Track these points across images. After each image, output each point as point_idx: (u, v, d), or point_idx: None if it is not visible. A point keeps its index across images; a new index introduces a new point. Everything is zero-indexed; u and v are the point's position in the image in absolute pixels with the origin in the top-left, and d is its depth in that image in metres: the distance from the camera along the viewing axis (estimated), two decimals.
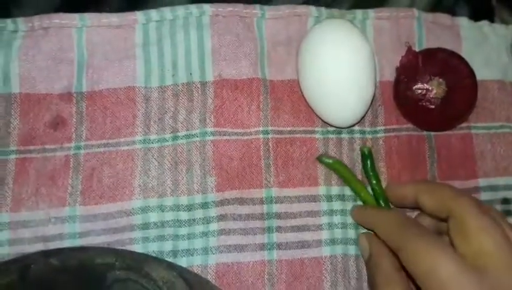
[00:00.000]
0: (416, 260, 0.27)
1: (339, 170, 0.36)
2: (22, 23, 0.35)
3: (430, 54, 0.37)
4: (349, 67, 0.34)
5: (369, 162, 0.36)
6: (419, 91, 0.36)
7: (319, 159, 0.36)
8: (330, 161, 0.36)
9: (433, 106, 0.36)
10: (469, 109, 0.38)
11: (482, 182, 0.38)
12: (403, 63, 0.37)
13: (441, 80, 0.36)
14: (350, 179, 0.36)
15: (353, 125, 0.37)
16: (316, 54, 0.34)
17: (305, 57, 0.35)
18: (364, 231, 0.36)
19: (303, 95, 0.36)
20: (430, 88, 0.36)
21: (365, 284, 0.35)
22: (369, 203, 0.36)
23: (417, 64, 0.36)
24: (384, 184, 0.36)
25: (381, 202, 0.36)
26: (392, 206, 0.36)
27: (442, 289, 0.26)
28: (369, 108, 0.37)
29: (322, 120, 0.37)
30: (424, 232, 0.29)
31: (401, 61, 0.37)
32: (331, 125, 0.37)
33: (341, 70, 0.34)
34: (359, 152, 0.37)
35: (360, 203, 0.36)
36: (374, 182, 0.36)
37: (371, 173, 0.36)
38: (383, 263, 0.32)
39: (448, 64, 0.37)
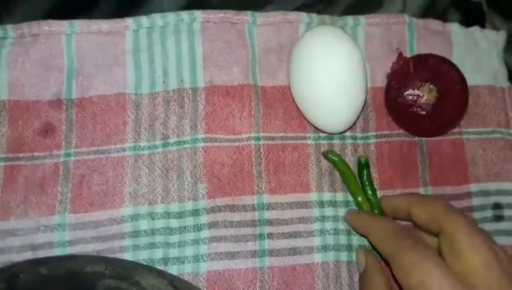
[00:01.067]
0: (408, 271, 0.27)
1: (342, 169, 0.36)
2: (11, 30, 0.35)
3: (421, 60, 0.37)
4: (340, 73, 0.34)
5: (365, 172, 0.36)
6: (410, 97, 0.36)
7: (324, 154, 0.36)
8: (336, 159, 0.36)
9: (424, 112, 0.36)
10: (460, 115, 0.38)
11: (473, 187, 0.38)
12: (394, 69, 0.37)
13: (431, 86, 0.36)
14: (351, 181, 0.36)
15: (344, 131, 0.37)
16: (307, 61, 0.34)
17: (296, 63, 0.35)
18: (358, 238, 0.36)
19: (294, 102, 0.36)
20: (421, 94, 0.36)
21: None
22: (364, 208, 0.35)
23: (408, 70, 0.36)
24: (377, 190, 0.36)
25: (376, 212, 0.35)
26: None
27: None
28: (360, 114, 0.37)
29: (314, 126, 0.37)
30: (417, 243, 0.29)
31: (392, 68, 0.37)
32: (323, 132, 0.37)
33: (332, 76, 0.34)
34: (351, 158, 0.37)
35: (353, 207, 0.36)
36: (370, 192, 0.36)
37: (367, 183, 0.36)
38: (376, 280, 0.31)
39: (439, 71, 0.37)
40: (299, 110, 0.36)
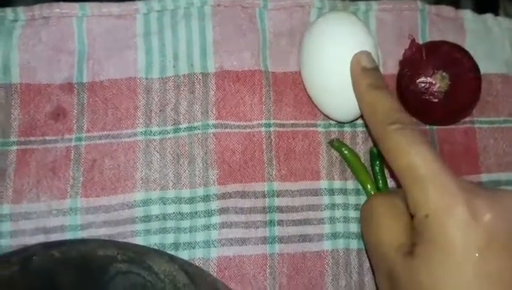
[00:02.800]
0: (396, 153, 0.28)
1: (349, 158, 0.36)
2: (22, 12, 0.35)
3: (433, 47, 0.37)
4: None
5: (378, 162, 0.36)
6: (423, 85, 0.36)
7: (331, 143, 0.36)
8: (342, 147, 0.36)
9: (436, 100, 0.36)
10: (472, 103, 0.37)
11: (484, 177, 0.38)
12: (406, 56, 0.37)
13: (444, 73, 0.36)
14: (359, 170, 0.36)
15: (355, 119, 0.37)
16: (319, 47, 0.34)
17: (309, 50, 0.35)
18: None
19: (305, 89, 0.36)
20: (433, 82, 0.36)
21: (367, 279, 0.35)
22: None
23: (421, 57, 0.36)
24: (388, 180, 0.36)
25: None
26: None
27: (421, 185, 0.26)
28: None
29: (324, 114, 0.37)
30: (405, 127, 0.28)
31: (404, 55, 0.37)
32: (333, 120, 0.37)
33: (345, 64, 0.33)
34: (362, 146, 0.37)
35: (363, 197, 0.36)
36: (381, 183, 0.36)
37: (379, 174, 0.36)
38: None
39: (451, 58, 0.36)
40: (310, 97, 0.36)
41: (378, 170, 0.36)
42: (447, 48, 0.37)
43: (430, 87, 0.36)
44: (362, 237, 0.33)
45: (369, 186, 0.36)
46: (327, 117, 0.37)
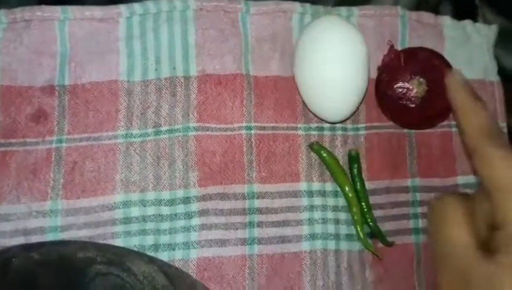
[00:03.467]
0: (493, 164, 0.27)
1: (328, 160, 0.36)
2: (3, 15, 0.35)
3: (412, 53, 0.38)
4: (346, 63, 0.34)
5: (356, 165, 0.37)
6: (400, 90, 0.37)
7: (310, 146, 0.37)
8: (321, 150, 0.36)
9: (413, 105, 0.37)
10: (449, 108, 0.38)
11: (460, 179, 0.38)
12: (385, 62, 0.37)
13: (421, 79, 0.37)
14: (337, 172, 0.36)
15: (346, 119, 0.37)
16: (314, 50, 0.35)
17: (303, 52, 0.35)
18: (345, 227, 0.36)
19: (297, 90, 0.37)
20: (410, 87, 0.37)
21: (344, 279, 0.36)
22: (350, 198, 0.36)
23: (399, 63, 0.37)
24: (365, 182, 0.37)
25: (362, 204, 0.36)
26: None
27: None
28: (361, 103, 0.37)
29: (316, 116, 0.37)
30: (506, 144, 0.28)
31: (383, 60, 0.37)
32: (325, 121, 0.37)
33: (339, 65, 0.34)
34: (341, 149, 0.37)
35: (341, 199, 0.37)
36: (359, 185, 0.36)
37: (357, 177, 0.37)
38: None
39: (429, 64, 0.37)
40: (302, 99, 0.37)
41: (356, 173, 0.37)
42: (425, 54, 0.38)
43: (408, 93, 0.37)
44: (427, 232, 0.33)
45: (347, 188, 0.36)
46: (319, 118, 0.37)
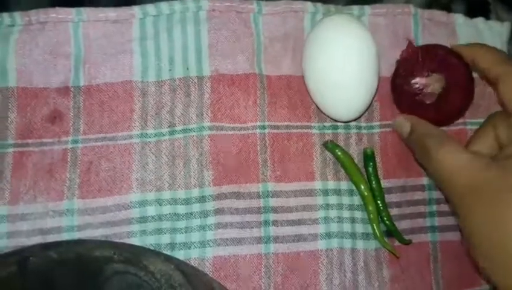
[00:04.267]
0: None
1: (342, 159, 0.36)
2: (18, 17, 0.35)
3: (429, 50, 0.37)
4: (357, 61, 0.34)
5: (371, 163, 0.37)
6: (417, 86, 0.37)
7: (325, 145, 0.37)
8: (336, 149, 0.36)
9: (429, 102, 0.36)
10: (465, 107, 0.38)
11: None
12: (403, 57, 0.37)
13: (438, 76, 0.37)
14: (352, 171, 0.36)
15: (357, 118, 0.37)
16: (324, 48, 0.35)
17: (313, 51, 0.35)
18: (362, 226, 0.36)
19: (307, 89, 0.37)
20: (427, 83, 0.37)
21: (360, 277, 0.35)
22: (366, 196, 0.36)
23: (417, 59, 0.37)
24: (381, 181, 0.37)
25: (378, 202, 0.36)
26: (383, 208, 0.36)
27: None
28: (371, 102, 0.37)
29: (326, 115, 0.37)
30: None
31: (401, 55, 0.37)
32: (336, 120, 0.37)
33: (348, 64, 0.34)
34: (355, 148, 0.37)
35: (357, 197, 0.37)
36: (374, 183, 0.36)
37: (372, 175, 0.36)
38: (433, 130, 0.34)
39: (446, 62, 0.37)
40: (312, 98, 0.37)
41: (371, 171, 0.36)
42: (442, 51, 0.37)
43: (424, 89, 0.37)
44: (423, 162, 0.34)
45: (362, 187, 0.36)
46: (329, 118, 0.37)
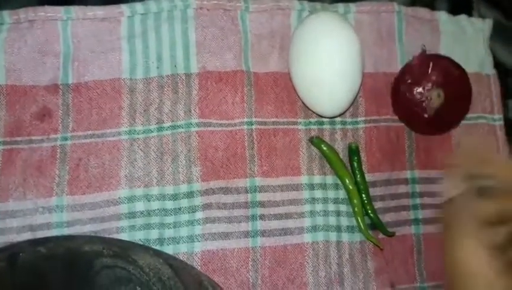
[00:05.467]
0: None
1: (328, 154, 0.37)
2: (7, 15, 0.36)
3: (438, 61, 0.38)
4: (341, 58, 0.35)
5: (356, 158, 0.37)
6: (419, 96, 0.37)
7: (311, 140, 0.37)
8: (321, 144, 0.37)
9: (426, 115, 0.37)
10: (457, 124, 0.39)
11: None
12: (413, 64, 0.38)
13: (441, 92, 0.37)
14: (337, 166, 0.37)
15: (342, 114, 0.38)
16: (309, 45, 0.35)
17: (299, 48, 0.36)
18: (346, 219, 0.37)
19: (293, 86, 0.37)
20: (429, 97, 0.37)
21: (346, 269, 0.36)
22: (351, 190, 0.37)
23: (426, 70, 0.37)
24: (365, 175, 0.37)
25: (363, 196, 0.37)
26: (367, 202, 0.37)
27: None
28: (356, 98, 0.38)
29: (312, 111, 0.38)
30: None
31: (412, 61, 0.38)
32: (321, 116, 0.38)
33: (333, 60, 0.35)
34: (341, 143, 0.38)
35: (342, 191, 0.37)
36: (359, 177, 0.37)
37: (357, 169, 0.37)
38: (465, 213, 0.28)
39: (450, 75, 0.37)
40: (298, 94, 0.37)
41: (356, 165, 0.37)
42: (449, 63, 0.38)
43: (425, 102, 0.37)
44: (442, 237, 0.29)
45: (347, 181, 0.37)
46: (315, 114, 0.38)
